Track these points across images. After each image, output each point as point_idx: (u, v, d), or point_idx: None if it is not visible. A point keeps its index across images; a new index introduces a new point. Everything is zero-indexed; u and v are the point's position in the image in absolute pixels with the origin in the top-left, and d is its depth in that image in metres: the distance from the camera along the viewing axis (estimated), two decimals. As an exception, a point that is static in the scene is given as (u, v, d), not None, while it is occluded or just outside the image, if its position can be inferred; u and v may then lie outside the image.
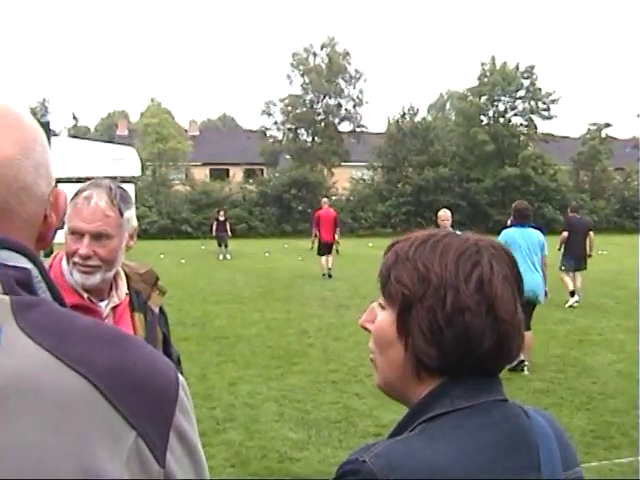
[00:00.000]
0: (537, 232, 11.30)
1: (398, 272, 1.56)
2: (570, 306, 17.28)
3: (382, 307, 1.61)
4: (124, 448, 1.09)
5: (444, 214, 14.06)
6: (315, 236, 26.44)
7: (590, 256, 18.66)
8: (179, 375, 1.21)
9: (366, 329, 1.65)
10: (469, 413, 1.48)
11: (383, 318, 1.59)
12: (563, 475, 1.55)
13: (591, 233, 18.71)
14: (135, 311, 3.07)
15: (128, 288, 3.07)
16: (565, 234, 18.31)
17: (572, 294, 17.67)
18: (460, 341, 1.48)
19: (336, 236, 26.25)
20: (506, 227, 11.79)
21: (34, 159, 1.24)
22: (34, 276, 1.21)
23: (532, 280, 10.36)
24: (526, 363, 10.60)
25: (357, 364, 11.53)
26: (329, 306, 17.80)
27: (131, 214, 2.97)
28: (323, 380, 10.66)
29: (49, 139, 1.34)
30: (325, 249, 25.03)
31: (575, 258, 18.05)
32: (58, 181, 1.36)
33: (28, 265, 1.21)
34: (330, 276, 24.22)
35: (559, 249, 18.41)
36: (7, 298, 1.13)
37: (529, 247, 10.90)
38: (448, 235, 1.60)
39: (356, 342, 13.06)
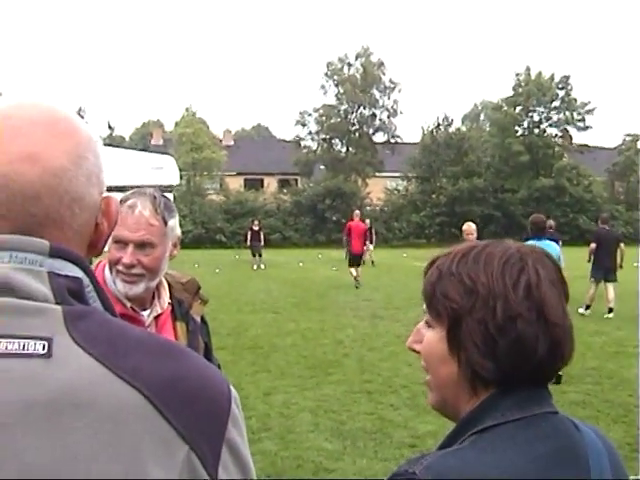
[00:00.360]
0: (554, 244, 11.46)
1: (443, 287, 1.54)
2: (582, 314, 17.37)
3: (429, 325, 1.59)
4: (177, 462, 1.08)
5: (468, 228, 13.61)
6: (347, 246, 26.71)
7: (621, 267, 18.53)
8: (231, 387, 1.20)
9: (414, 351, 1.63)
10: (520, 425, 1.46)
11: (432, 336, 1.57)
12: None
13: (622, 245, 18.59)
14: (177, 320, 3.05)
15: (170, 297, 3.05)
16: (593, 245, 18.36)
17: (587, 307, 17.79)
18: (515, 350, 1.46)
19: (371, 247, 27.70)
20: (526, 239, 11.64)
21: (86, 168, 1.21)
22: (85, 285, 1.19)
23: None
24: (561, 374, 10.48)
25: (392, 374, 11.47)
26: (364, 316, 17.75)
27: (175, 223, 2.96)
28: (358, 390, 10.59)
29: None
30: (355, 260, 25.34)
31: (604, 269, 17.96)
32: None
33: (80, 274, 1.19)
34: (357, 287, 24.23)
35: (588, 260, 18.51)
36: (59, 308, 1.11)
37: None
38: (489, 245, 1.58)
39: (391, 353, 13.02)
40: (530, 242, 10.89)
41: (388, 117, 67.19)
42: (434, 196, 57.33)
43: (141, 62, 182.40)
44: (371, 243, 33.15)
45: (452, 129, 61.46)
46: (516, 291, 1.48)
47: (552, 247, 11.13)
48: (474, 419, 1.50)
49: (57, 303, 1.12)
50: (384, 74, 66.71)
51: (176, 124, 67.84)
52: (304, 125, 67.50)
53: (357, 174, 63.80)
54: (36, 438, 1.02)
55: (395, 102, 67.20)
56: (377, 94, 66.58)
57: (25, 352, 1.06)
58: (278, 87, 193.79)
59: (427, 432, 8.53)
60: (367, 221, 34.32)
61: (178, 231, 3.00)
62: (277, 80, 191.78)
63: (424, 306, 1.60)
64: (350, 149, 66.22)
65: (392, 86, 66.79)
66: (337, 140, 67.06)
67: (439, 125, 60.98)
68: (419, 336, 1.61)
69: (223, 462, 1.13)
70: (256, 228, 34.04)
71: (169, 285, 3.08)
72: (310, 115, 67.13)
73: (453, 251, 1.60)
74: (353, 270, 24.94)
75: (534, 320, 1.47)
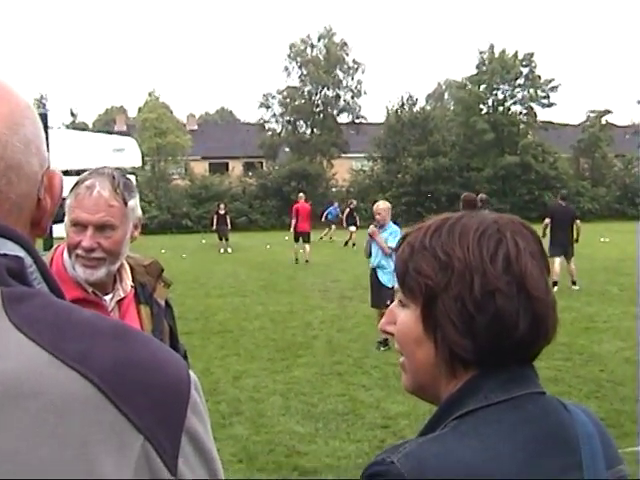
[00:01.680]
0: None
1: (416, 264, 1.45)
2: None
3: (402, 305, 1.50)
4: (131, 454, 0.97)
5: (376, 207, 12.39)
6: (294, 227, 28.91)
7: (577, 241, 18.82)
8: (191, 372, 1.10)
9: (388, 333, 1.54)
10: (505, 408, 1.38)
11: (406, 316, 1.48)
12: (606, 474, 1.44)
13: (577, 221, 19.01)
14: (141, 304, 2.95)
15: (133, 280, 2.96)
16: (547, 221, 18.72)
17: (554, 284, 17.79)
18: (494, 326, 1.37)
19: (353, 228, 32.70)
20: None
21: (24, 135, 1.13)
22: (28, 265, 1.10)
23: None
24: None
25: (362, 355, 11.49)
26: (332, 298, 17.76)
27: (135, 203, 2.85)
28: (329, 372, 10.60)
29: (46, 132, 1.23)
30: (300, 237, 28.09)
31: (561, 245, 18.14)
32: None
33: (21, 253, 1.09)
34: (307, 261, 26.70)
35: (543, 236, 18.61)
36: None
37: None
38: (464, 216, 1.49)
39: (360, 333, 13.05)
40: None
41: (352, 98, 67.12)
42: (400, 176, 57.36)
43: (102, 48, 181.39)
44: (355, 225, 34.85)
45: (417, 109, 61.55)
46: (494, 264, 1.39)
47: None
48: (455, 403, 1.41)
49: None
50: (347, 55, 66.65)
51: (139, 110, 67.59)
52: (268, 107, 67.39)
53: (322, 155, 63.78)
54: None
55: (359, 82, 67.11)
56: (341, 75, 66.45)
57: None
58: (241, 70, 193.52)
59: (399, 413, 8.53)
60: (353, 202, 37.63)
61: (139, 212, 2.91)
62: (240, 63, 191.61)
63: (396, 284, 1.52)
64: (315, 131, 66.13)
65: (355, 67, 66.71)
66: (301, 122, 66.94)
67: (403, 105, 61.01)
68: (392, 317, 1.53)
69: (183, 453, 1.02)
70: (222, 212, 33.86)
71: (131, 268, 2.99)
72: (274, 97, 67.04)
73: (425, 225, 1.51)
74: (296, 246, 27.62)
75: (514, 294, 1.38)
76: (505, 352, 1.39)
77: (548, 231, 18.44)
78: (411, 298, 1.46)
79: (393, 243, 11.09)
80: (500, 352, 1.39)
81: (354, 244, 33.05)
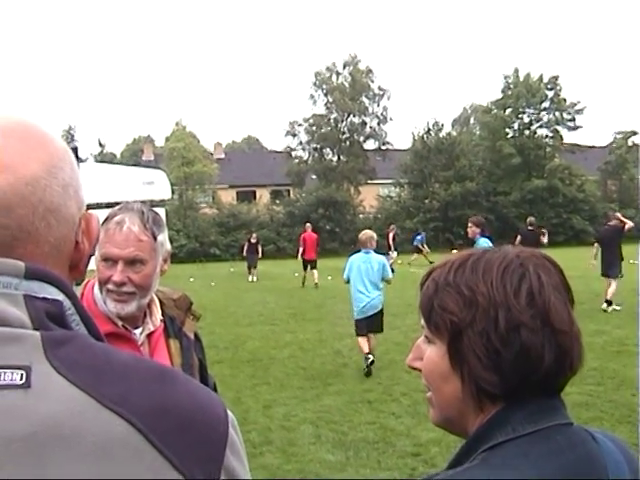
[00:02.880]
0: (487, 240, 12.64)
1: (442, 300, 1.47)
2: (604, 310, 18.23)
3: (429, 340, 1.52)
4: None
5: (363, 235, 13.07)
6: (301, 254, 30.84)
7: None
8: (228, 411, 1.12)
9: (415, 368, 1.56)
10: (532, 440, 1.38)
11: (432, 352, 1.50)
12: None
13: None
14: (170, 338, 2.97)
15: (162, 314, 2.98)
16: (596, 245, 19.67)
17: (609, 303, 18.46)
18: (520, 361, 1.39)
19: (394, 254, 33.97)
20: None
21: (62, 179, 1.16)
22: (66, 308, 1.12)
23: None
24: None
25: (392, 383, 11.44)
26: (361, 325, 17.69)
27: (164, 237, 2.89)
28: (359, 400, 10.55)
29: (78, 166, 1.27)
30: (308, 264, 29.84)
31: (611, 265, 18.64)
32: (88, 207, 1.27)
33: (59, 296, 1.11)
34: (316, 285, 28.29)
35: (594, 259, 19.54)
36: (37, 334, 1.04)
37: None
38: (487, 252, 1.51)
39: (390, 360, 12.99)
40: (484, 239, 12.64)
41: (378, 124, 67.43)
42: (427, 201, 57.41)
43: (130, 78, 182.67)
44: (395, 250, 36.14)
45: (442, 134, 61.61)
46: (518, 299, 1.41)
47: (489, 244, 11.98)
48: (483, 436, 1.42)
49: (35, 329, 1.05)
50: (373, 81, 67.00)
51: (167, 139, 67.96)
52: (294, 135, 67.76)
53: (349, 182, 63.97)
54: (17, 475, 0.95)
55: (385, 109, 67.49)
56: (366, 101, 66.78)
57: (1, 383, 0.99)
58: (267, 98, 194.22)
59: (430, 440, 8.47)
60: (392, 227, 38.13)
61: (168, 246, 2.94)
62: (266, 91, 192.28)
63: (422, 321, 1.53)
64: (341, 158, 66.39)
65: (381, 93, 67.04)
66: (328, 149, 67.23)
67: (429, 130, 61.12)
68: (419, 353, 1.55)
69: None
70: (254, 241, 34.40)
71: (160, 302, 3.01)
72: (300, 125, 67.34)
73: (449, 261, 1.53)
74: (306, 273, 29.49)
75: (539, 328, 1.40)
76: (531, 385, 1.40)
77: (599, 254, 19.19)
78: (437, 334, 1.48)
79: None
80: (526, 385, 1.40)
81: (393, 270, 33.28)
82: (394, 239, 36.70)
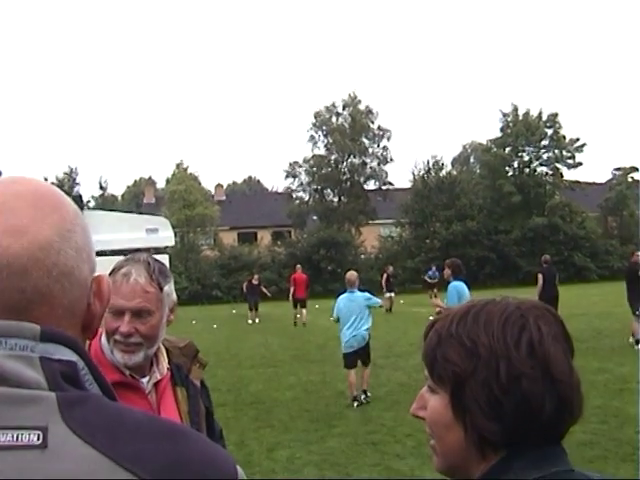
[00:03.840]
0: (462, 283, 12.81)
1: (444, 351, 1.51)
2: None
3: (432, 390, 1.55)
4: None
5: (350, 276, 14.12)
6: (292, 294, 32.45)
7: None
8: (238, 468, 1.16)
9: (419, 417, 1.59)
10: None
11: (436, 402, 1.53)
12: None
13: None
14: (177, 386, 3.00)
15: (169, 362, 3.01)
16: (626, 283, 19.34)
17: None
18: (521, 410, 1.42)
19: (391, 294, 35.42)
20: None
21: (75, 242, 1.19)
22: (80, 369, 1.15)
23: None
24: None
25: (396, 424, 11.41)
26: (364, 366, 17.67)
27: (170, 288, 2.93)
28: (363, 442, 10.55)
29: (81, 211, 1.31)
30: (298, 303, 31.69)
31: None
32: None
33: (74, 357, 1.14)
34: (304, 325, 29.79)
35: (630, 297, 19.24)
36: (53, 395, 1.07)
37: (468, 297, 12.03)
38: (488, 303, 1.55)
39: (394, 402, 12.99)
40: (459, 282, 12.68)
41: (378, 164, 67.57)
42: (428, 241, 57.42)
43: (130, 119, 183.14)
44: (390, 291, 36.31)
45: (443, 173, 61.80)
46: (518, 350, 1.45)
47: (461, 286, 12.58)
48: None
49: (51, 390, 1.08)
50: (373, 122, 67.19)
51: (167, 181, 68.16)
52: (295, 177, 67.88)
53: (350, 223, 64.03)
54: None
55: (385, 149, 67.65)
56: (366, 142, 67.01)
57: (19, 444, 1.02)
58: (267, 139, 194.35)
59: (434, 481, 8.45)
60: (390, 268, 38.35)
61: (174, 296, 2.98)
62: (265, 131, 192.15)
63: (425, 372, 1.57)
64: (342, 198, 66.50)
65: (381, 133, 67.25)
66: (329, 190, 67.36)
67: (429, 170, 61.31)
68: (423, 402, 1.58)
69: None
70: (255, 282, 34.70)
71: (167, 350, 3.04)
72: (301, 166, 67.50)
73: (451, 312, 1.57)
74: (295, 312, 31.30)
75: (539, 378, 1.43)
76: (533, 433, 1.43)
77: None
78: (440, 384, 1.51)
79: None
80: (528, 434, 1.43)
81: (389, 309, 33.72)
82: (388, 280, 36.80)
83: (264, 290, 35.24)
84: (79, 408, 1.07)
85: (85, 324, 1.23)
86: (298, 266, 35.28)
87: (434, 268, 41.42)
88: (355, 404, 13.20)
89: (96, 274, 1.25)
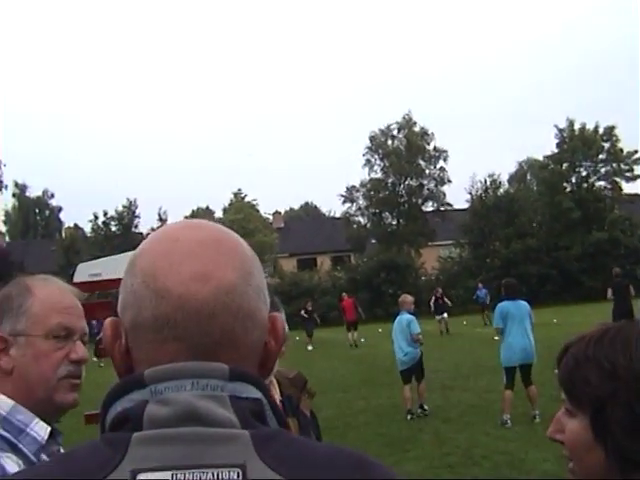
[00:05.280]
0: (525, 303, 13.38)
1: (583, 374, 1.55)
2: None
3: (570, 414, 1.60)
4: None
5: (404, 299, 15.30)
6: (345, 319, 35.51)
7: None
8: None
9: (556, 440, 1.63)
10: None
11: (575, 424, 1.57)
12: None
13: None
14: (289, 417, 3.06)
15: (280, 394, 3.10)
16: None
17: None
18: None
19: (444, 316, 36.19)
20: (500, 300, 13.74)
21: (255, 284, 1.23)
22: (265, 406, 1.18)
23: (526, 343, 12.81)
24: (537, 413, 12.53)
25: (470, 445, 11.41)
26: (433, 388, 17.54)
27: (282, 319, 3.01)
28: (439, 465, 10.52)
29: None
30: (352, 326, 34.47)
31: None
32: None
33: (258, 395, 1.17)
34: (356, 346, 32.94)
35: None
36: (246, 433, 1.10)
37: (522, 316, 13.01)
38: (622, 327, 1.60)
39: (466, 423, 12.96)
40: (507, 302, 13.09)
41: (436, 186, 67.41)
42: (488, 260, 57.09)
43: (186, 150, 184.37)
44: (440, 314, 36.57)
45: (500, 191, 61.49)
46: None
47: (525, 306, 13.24)
48: None
49: (242, 427, 1.11)
50: (428, 144, 67.12)
51: (225, 210, 68.30)
52: (352, 201, 67.91)
53: (409, 245, 63.83)
54: None
55: (442, 170, 67.51)
56: (423, 164, 66.90)
57: None
58: (322, 163, 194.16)
59: (515, 501, 8.47)
60: (439, 290, 38.78)
61: (285, 327, 3.08)
62: (320, 157, 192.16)
63: (563, 395, 1.62)
64: (401, 221, 66.39)
65: (437, 154, 67.12)
66: (387, 213, 67.25)
67: (487, 189, 61.04)
68: (559, 425, 1.63)
69: None
70: (309, 309, 36.34)
71: (277, 382, 3.13)
72: (358, 191, 67.52)
73: (586, 336, 1.61)
74: (349, 334, 34.12)
75: None
76: None
77: None
78: (579, 407, 1.57)
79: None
80: None
81: (443, 331, 35.12)
82: (437, 301, 37.19)
83: (314, 316, 36.97)
84: (272, 444, 1.11)
85: (261, 362, 1.26)
86: (344, 294, 38.65)
87: (482, 288, 41.18)
88: (409, 417, 14.20)
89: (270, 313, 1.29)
